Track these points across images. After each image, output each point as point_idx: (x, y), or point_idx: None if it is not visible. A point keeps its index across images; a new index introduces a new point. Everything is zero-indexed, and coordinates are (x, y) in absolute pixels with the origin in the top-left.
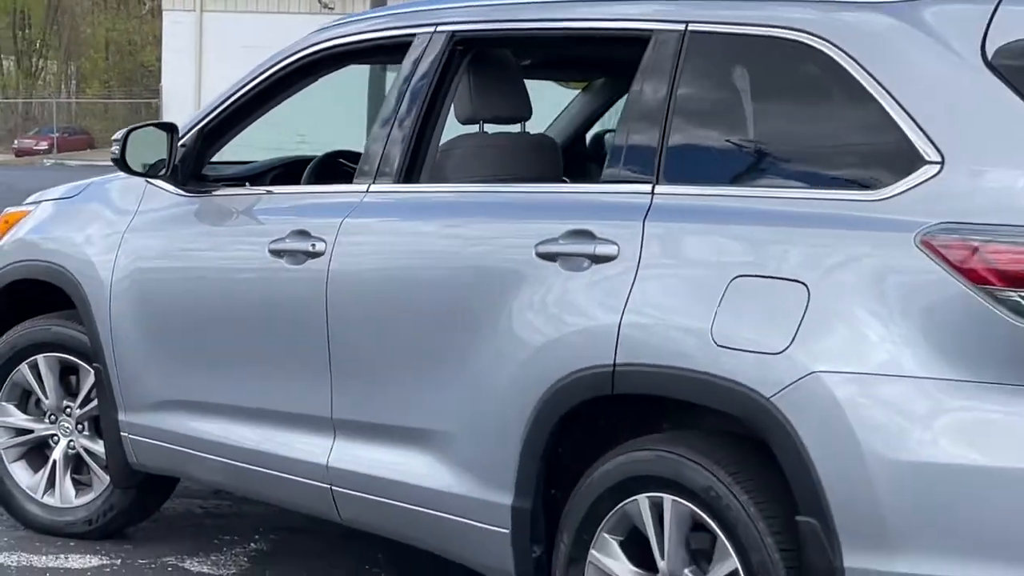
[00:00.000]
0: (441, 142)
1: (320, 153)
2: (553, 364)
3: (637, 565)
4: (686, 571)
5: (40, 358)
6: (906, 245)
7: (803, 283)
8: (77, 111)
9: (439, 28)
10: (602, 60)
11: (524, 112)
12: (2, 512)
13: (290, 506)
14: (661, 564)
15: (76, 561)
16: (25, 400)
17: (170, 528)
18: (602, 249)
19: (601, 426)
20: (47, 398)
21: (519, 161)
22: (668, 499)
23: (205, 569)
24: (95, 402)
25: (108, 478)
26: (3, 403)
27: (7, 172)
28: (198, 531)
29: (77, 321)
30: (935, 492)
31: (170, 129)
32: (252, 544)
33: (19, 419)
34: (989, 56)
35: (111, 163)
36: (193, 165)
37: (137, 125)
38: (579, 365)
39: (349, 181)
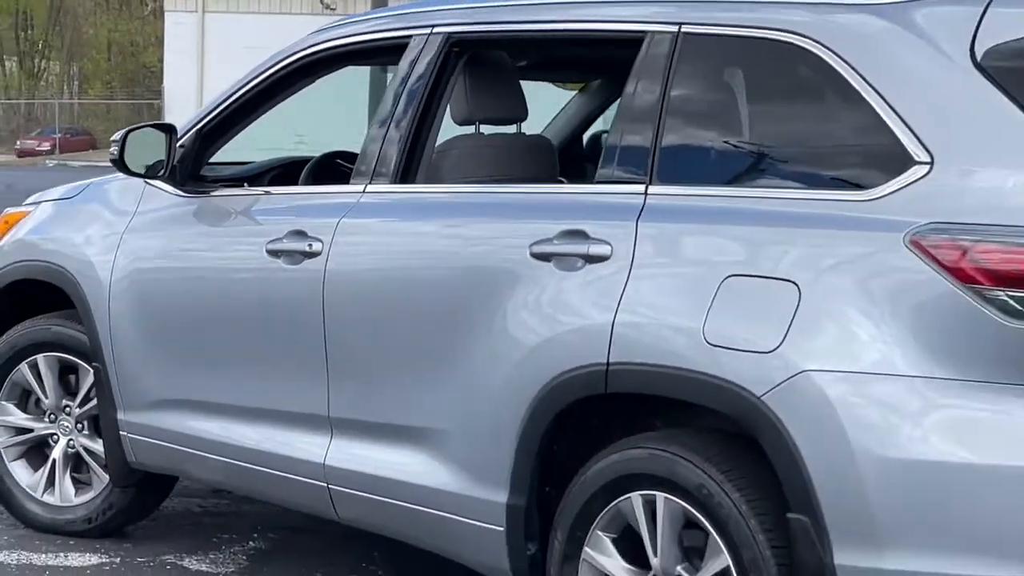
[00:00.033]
0: (437, 143)
1: (319, 154)
2: (547, 363)
3: (630, 562)
4: (679, 568)
5: (40, 358)
6: (896, 245)
7: (794, 283)
8: (79, 112)
9: (435, 29)
10: (598, 61)
11: (520, 113)
12: (2, 511)
13: (288, 505)
14: (654, 561)
15: (76, 559)
16: (25, 399)
17: (169, 527)
18: (596, 249)
19: (595, 424)
20: (47, 397)
21: (515, 162)
22: (661, 497)
23: (204, 567)
24: (94, 401)
25: (107, 477)
26: (3, 402)
27: (9, 173)
28: (197, 530)
29: (76, 321)
30: (924, 489)
31: (168, 130)
32: (250, 543)
33: (19, 418)
34: (978, 58)
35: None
36: (191, 166)
37: (135, 126)
38: (573, 364)
39: (346, 182)
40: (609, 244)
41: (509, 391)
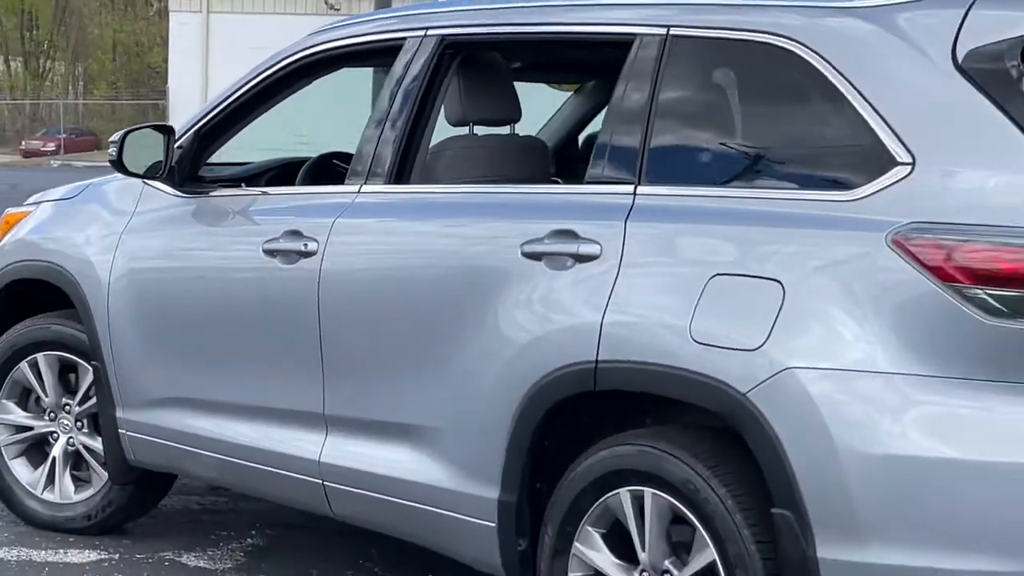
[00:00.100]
0: (431, 144)
1: (317, 154)
2: (538, 361)
3: (619, 557)
4: (666, 562)
5: (40, 356)
6: (878, 244)
7: (779, 281)
8: (84, 112)
9: (429, 32)
10: (591, 63)
11: (513, 114)
12: (2, 508)
13: (285, 502)
14: (642, 556)
15: (75, 556)
16: (25, 398)
17: (168, 524)
18: (585, 248)
19: (585, 421)
20: (47, 396)
21: (508, 162)
22: (649, 492)
23: (202, 564)
24: (94, 400)
25: (107, 474)
26: (3, 401)
27: (14, 173)
28: (195, 527)
29: (76, 320)
30: (905, 484)
31: (167, 131)
32: (248, 539)
33: (19, 416)
34: (960, 60)
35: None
36: (189, 167)
37: (134, 127)
38: (563, 362)
39: (343, 182)
40: (598, 244)
41: (500, 388)
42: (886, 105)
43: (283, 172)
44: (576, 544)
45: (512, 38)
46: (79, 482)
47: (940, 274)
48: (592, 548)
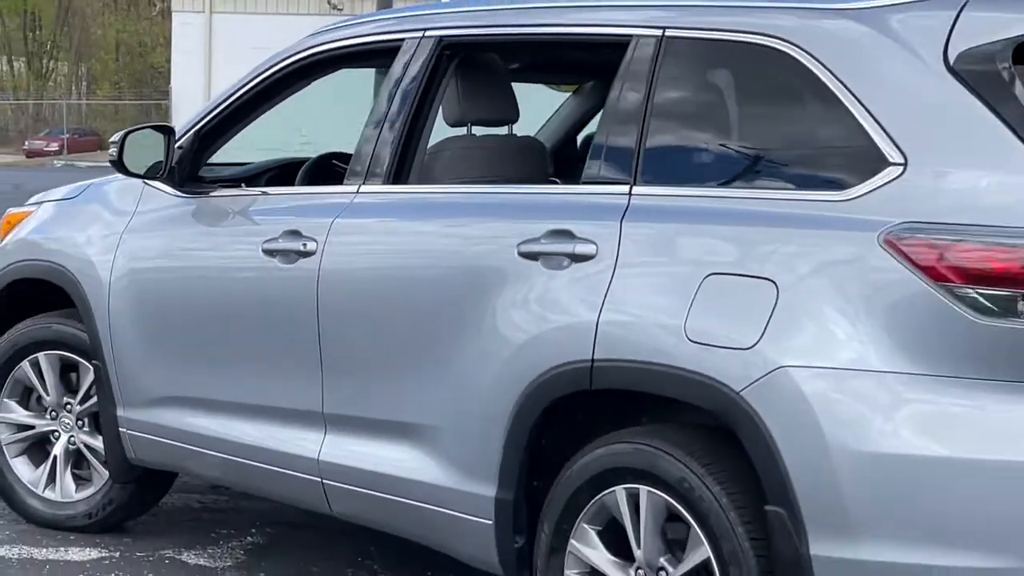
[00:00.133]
0: (430, 144)
1: (318, 155)
2: (535, 360)
3: (615, 554)
4: (662, 559)
5: (41, 356)
6: (870, 244)
7: (772, 281)
8: (87, 112)
9: (427, 33)
10: (588, 64)
11: (511, 115)
12: (4, 506)
13: (284, 500)
14: (637, 553)
15: (76, 554)
16: (27, 397)
17: (168, 522)
18: (581, 248)
19: (582, 420)
20: (48, 395)
21: (506, 163)
22: (644, 490)
23: (202, 562)
24: (95, 399)
25: (107, 473)
26: (5, 400)
27: (17, 173)
28: (195, 525)
29: (77, 319)
30: (896, 482)
31: (167, 131)
32: (248, 538)
33: (21, 415)
34: (951, 62)
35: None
36: (190, 167)
37: (134, 128)
38: (559, 361)
39: (341, 182)
40: (594, 243)
41: (498, 387)
42: (879, 106)
43: (283, 172)
44: (572, 541)
45: (509, 39)
46: (80, 480)
47: (932, 274)
48: (588, 545)
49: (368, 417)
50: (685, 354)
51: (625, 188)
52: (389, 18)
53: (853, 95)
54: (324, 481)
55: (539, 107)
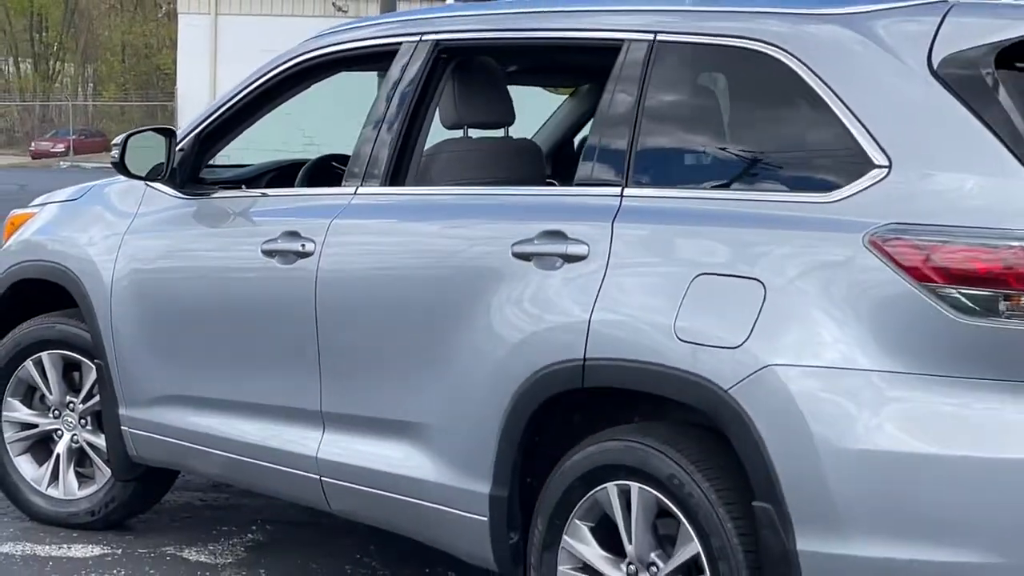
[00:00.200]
0: (426, 147)
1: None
2: (528, 359)
3: (607, 550)
4: (652, 555)
5: (44, 355)
6: (855, 245)
7: (760, 281)
8: (93, 114)
9: (424, 37)
10: (583, 67)
11: (507, 118)
12: (7, 503)
13: (284, 497)
14: (629, 549)
15: (79, 551)
16: (30, 396)
17: (170, 519)
18: (574, 249)
19: (574, 418)
20: (51, 394)
21: (502, 165)
22: (635, 487)
23: (203, 559)
24: (97, 397)
25: (110, 471)
26: (9, 398)
27: (23, 173)
28: (197, 522)
29: (80, 319)
30: (881, 478)
31: (168, 134)
32: (249, 535)
33: (24, 414)
34: (935, 66)
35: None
36: (191, 169)
37: (135, 130)
38: (552, 359)
39: (340, 184)
40: (586, 244)
41: (492, 386)
42: (864, 110)
43: (282, 174)
44: (565, 537)
45: (505, 43)
46: (83, 478)
47: (916, 274)
48: (581, 541)
49: (365, 415)
50: (675, 353)
51: (617, 190)
52: (387, 22)
53: (839, 99)
54: (322, 478)
55: (538, 109)
